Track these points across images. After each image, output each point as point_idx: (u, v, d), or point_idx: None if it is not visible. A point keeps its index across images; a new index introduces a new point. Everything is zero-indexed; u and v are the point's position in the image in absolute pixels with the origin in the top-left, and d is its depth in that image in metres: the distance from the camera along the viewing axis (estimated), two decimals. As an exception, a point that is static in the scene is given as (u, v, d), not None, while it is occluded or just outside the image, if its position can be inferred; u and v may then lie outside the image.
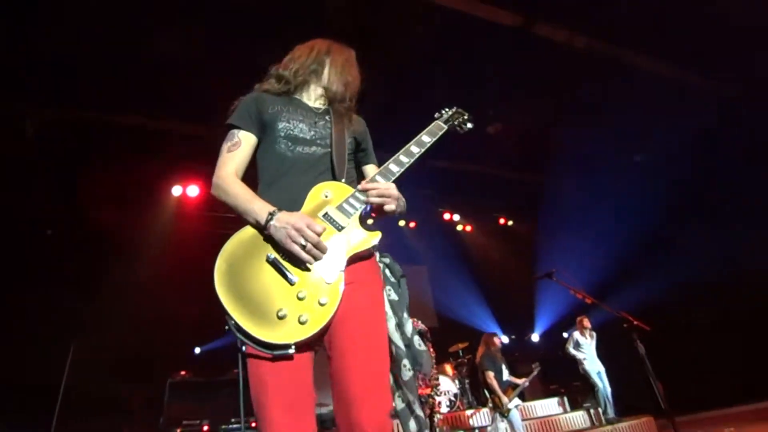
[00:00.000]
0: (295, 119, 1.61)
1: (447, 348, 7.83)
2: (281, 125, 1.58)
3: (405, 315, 1.61)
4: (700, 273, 8.75)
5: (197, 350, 7.96)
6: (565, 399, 7.60)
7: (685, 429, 5.81)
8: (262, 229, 1.35)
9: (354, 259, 1.40)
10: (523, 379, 5.99)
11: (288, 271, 1.30)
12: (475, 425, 6.13)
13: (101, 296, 6.33)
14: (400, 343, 1.55)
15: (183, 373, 6.76)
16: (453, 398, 6.73)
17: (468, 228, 10.55)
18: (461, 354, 7.63)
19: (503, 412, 5.50)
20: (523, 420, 5.96)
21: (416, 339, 1.71)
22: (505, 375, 5.94)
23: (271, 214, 1.34)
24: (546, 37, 6.10)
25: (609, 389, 6.86)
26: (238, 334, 1.22)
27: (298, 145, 1.57)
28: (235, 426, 6.00)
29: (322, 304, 1.28)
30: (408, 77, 6.21)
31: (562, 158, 8.76)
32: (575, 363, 7.02)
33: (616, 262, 9.23)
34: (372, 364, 1.34)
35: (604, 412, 6.71)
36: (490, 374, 5.78)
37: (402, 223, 10.20)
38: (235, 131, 1.59)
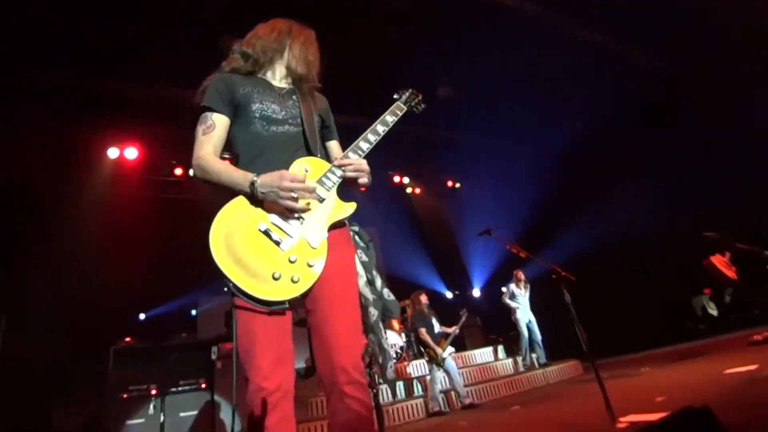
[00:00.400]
0: (267, 100, 1.71)
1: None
2: (255, 106, 1.68)
3: (374, 272, 1.88)
4: (623, 228, 9.53)
5: (142, 316, 7.80)
6: (500, 347, 8.21)
7: (606, 370, 6.48)
8: (248, 192, 1.50)
9: (333, 227, 1.59)
10: (453, 327, 6.47)
11: (280, 238, 1.47)
12: (415, 375, 6.54)
13: (35, 266, 6.01)
14: (369, 296, 1.85)
15: (128, 339, 6.63)
16: (399, 351, 7.09)
17: (417, 191, 10.79)
18: (407, 310, 7.97)
19: (439, 362, 5.90)
20: (462, 368, 6.41)
21: (386, 291, 2.05)
22: (437, 327, 6.33)
23: (253, 183, 1.48)
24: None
25: (539, 336, 7.53)
26: (239, 294, 1.38)
27: (272, 124, 1.68)
28: (184, 388, 6.00)
29: (310, 266, 1.47)
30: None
31: (505, 121, 9.05)
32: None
33: (548, 219, 9.86)
34: (348, 316, 1.56)
35: (524, 359, 7.38)
36: (422, 330, 6.15)
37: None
38: (208, 113, 1.66)
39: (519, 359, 7.57)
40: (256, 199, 1.50)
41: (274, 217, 1.50)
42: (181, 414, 5.83)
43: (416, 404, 5.57)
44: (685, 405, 1.36)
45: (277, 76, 1.83)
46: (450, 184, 11.25)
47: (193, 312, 8.64)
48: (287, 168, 1.58)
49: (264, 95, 1.72)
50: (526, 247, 4.01)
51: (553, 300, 3.51)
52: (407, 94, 1.99)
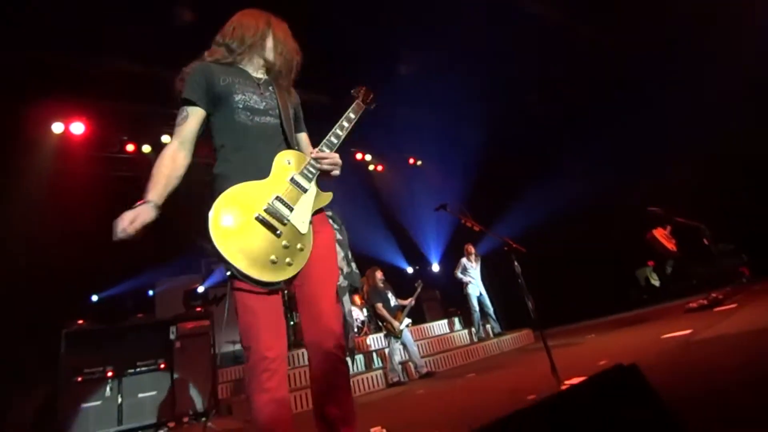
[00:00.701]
0: (248, 91, 1.79)
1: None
2: (238, 97, 1.75)
3: (348, 250, 2.18)
4: (572, 202, 9.96)
5: (95, 298, 7.56)
6: (456, 319, 8.50)
7: (555, 338, 6.86)
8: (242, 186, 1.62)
9: (314, 213, 1.75)
10: (409, 299, 6.66)
11: (274, 226, 1.60)
12: (374, 348, 6.71)
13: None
14: (345, 269, 2.16)
15: (80, 322, 6.43)
16: (360, 325, 7.21)
17: (379, 168, 10.80)
18: (363, 286, 8.07)
19: (396, 335, 6.07)
20: (420, 339, 6.60)
21: (353, 265, 2.41)
22: (393, 301, 6.50)
23: (145, 199, 1.59)
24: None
25: (491, 308, 7.83)
26: (241, 278, 1.54)
27: (256, 115, 1.76)
28: (142, 369, 5.92)
29: (300, 249, 1.65)
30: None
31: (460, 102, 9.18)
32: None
33: (502, 194, 10.28)
34: (333, 289, 1.77)
35: (477, 331, 7.68)
36: (379, 305, 6.31)
37: (312, 161, 10.16)
38: (186, 107, 1.74)
39: (473, 331, 7.87)
40: (246, 189, 1.62)
41: (266, 207, 1.61)
42: (140, 395, 5.77)
43: (375, 376, 5.72)
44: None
45: (255, 66, 1.90)
46: (411, 161, 11.34)
47: (150, 292, 8.45)
48: (271, 159, 1.71)
49: (245, 86, 1.79)
50: (481, 221, 4.13)
51: (507, 272, 3.64)
52: (363, 91, 2.06)
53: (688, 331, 4.18)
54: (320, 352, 1.66)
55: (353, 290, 6.94)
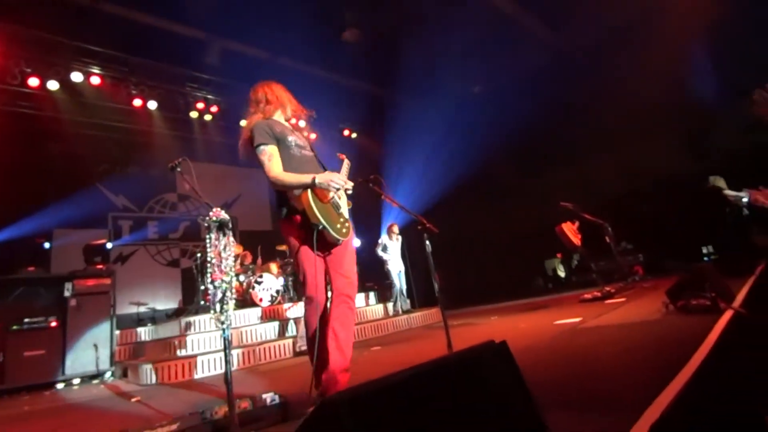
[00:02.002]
0: (291, 135, 2.73)
1: (275, 247, 8.12)
2: (290, 139, 2.69)
3: None
4: (494, 188, 10.40)
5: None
6: (372, 294, 8.65)
7: (461, 318, 7.20)
8: (312, 186, 2.51)
9: None
10: None
11: (340, 207, 2.66)
12: (291, 317, 6.67)
13: None
14: None
15: (-42, 270, 5.80)
16: (275, 294, 7.12)
17: (313, 136, 10.54)
18: (288, 254, 7.98)
19: None
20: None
21: None
22: None
23: (314, 179, 2.51)
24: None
25: (405, 286, 8.08)
26: (324, 235, 2.49)
27: (302, 149, 2.74)
28: (31, 326, 5.47)
29: (347, 223, 2.67)
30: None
31: (409, 77, 9.17)
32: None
33: (439, 178, 10.38)
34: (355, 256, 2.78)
35: (395, 305, 7.93)
36: None
37: (244, 122, 9.74)
38: (266, 147, 2.58)
39: (390, 306, 8.07)
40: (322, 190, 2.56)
41: (335, 198, 2.63)
42: (26, 353, 5.37)
43: (285, 344, 5.70)
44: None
45: (283, 118, 2.89)
46: (347, 133, 11.34)
47: (47, 245, 7.75)
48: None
49: (288, 132, 2.73)
50: (404, 200, 4.17)
51: (422, 251, 3.71)
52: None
53: (578, 319, 4.58)
54: (340, 300, 2.53)
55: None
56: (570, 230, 7.35)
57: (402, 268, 8.10)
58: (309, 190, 2.47)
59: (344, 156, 2.96)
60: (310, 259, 2.51)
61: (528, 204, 10.33)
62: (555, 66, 9.42)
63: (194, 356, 5.10)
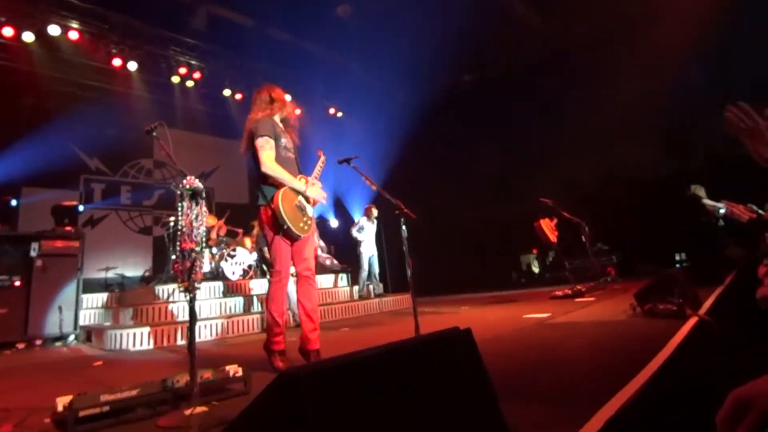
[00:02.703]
0: (284, 137, 3.20)
1: (250, 222, 8.01)
2: (282, 140, 3.16)
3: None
4: (475, 183, 10.45)
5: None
6: (343, 275, 8.64)
7: (433, 305, 7.25)
8: (301, 192, 3.14)
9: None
10: None
11: (305, 209, 3.14)
12: (256, 292, 6.65)
13: None
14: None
15: None
16: (246, 268, 7.06)
17: (297, 111, 10.38)
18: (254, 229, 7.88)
19: None
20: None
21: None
22: None
23: (305, 191, 3.15)
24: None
25: (377, 270, 8.07)
26: (289, 232, 2.99)
27: (288, 152, 3.20)
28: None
29: (310, 222, 3.17)
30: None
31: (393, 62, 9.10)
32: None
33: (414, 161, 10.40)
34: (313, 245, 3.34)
35: (360, 289, 7.93)
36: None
37: (228, 92, 9.53)
38: (269, 138, 3.05)
39: (356, 289, 8.08)
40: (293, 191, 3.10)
41: (301, 200, 3.12)
42: (-13, 311, 5.22)
43: (253, 319, 5.68)
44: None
45: (279, 119, 3.28)
46: (332, 111, 11.20)
47: (14, 202, 7.49)
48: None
49: (282, 134, 3.19)
50: (385, 184, 4.14)
51: (398, 235, 3.69)
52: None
53: (547, 315, 4.67)
54: (303, 278, 3.13)
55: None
56: (548, 226, 7.44)
57: (374, 252, 8.05)
58: (280, 195, 2.96)
59: (321, 153, 3.41)
60: (279, 245, 3.04)
61: (508, 197, 10.42)
62: (542, 61, 9.45)
63: (160, 325, 5.04)
